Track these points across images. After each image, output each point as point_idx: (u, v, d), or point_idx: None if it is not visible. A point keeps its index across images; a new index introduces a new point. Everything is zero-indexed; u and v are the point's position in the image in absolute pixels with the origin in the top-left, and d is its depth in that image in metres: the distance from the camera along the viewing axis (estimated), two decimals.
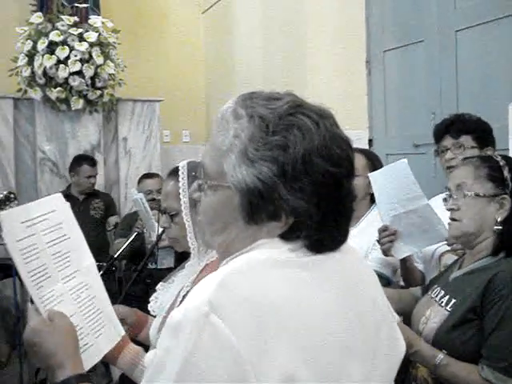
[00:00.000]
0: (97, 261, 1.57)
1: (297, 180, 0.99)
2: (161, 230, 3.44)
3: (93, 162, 5.50)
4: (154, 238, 4.03)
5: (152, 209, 4.15)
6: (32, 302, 1.34)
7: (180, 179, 1.76)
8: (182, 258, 4.48)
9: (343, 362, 0.99)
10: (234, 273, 0.98)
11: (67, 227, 1.46)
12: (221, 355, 0.90)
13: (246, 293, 0.94)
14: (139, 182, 4.88)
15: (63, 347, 1.28)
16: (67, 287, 1.42)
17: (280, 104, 1.04)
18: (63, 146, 5.96)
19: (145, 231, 4.28)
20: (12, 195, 4.87)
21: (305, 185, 0.99)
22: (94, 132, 6.07)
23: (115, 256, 3.89)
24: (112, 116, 6.28)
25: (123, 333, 1.58)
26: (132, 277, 3.35)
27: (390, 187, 2.47)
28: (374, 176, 2.57)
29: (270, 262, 1.00)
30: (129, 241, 3.96)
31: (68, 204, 1.50)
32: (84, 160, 5.49)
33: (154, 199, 4.40)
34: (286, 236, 1.03)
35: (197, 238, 1.76)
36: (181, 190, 1.75)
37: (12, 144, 5.88)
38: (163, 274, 4.03)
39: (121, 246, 4.02)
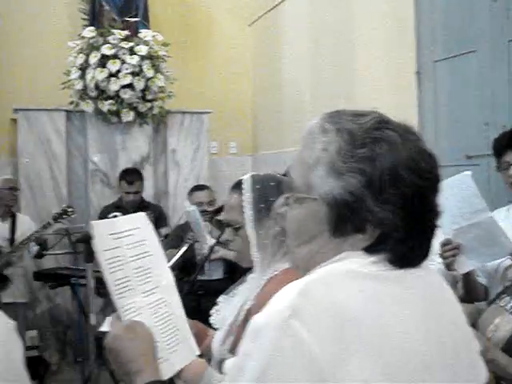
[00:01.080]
0: None
1: (384, 192, 1.00)
2: (213, 242, 3.48)
3: (131, 179, 5.47)
4: (205, 250, 4.05)
5: (203, 221, 4.17)
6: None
7: (244, 192, 1.76)
8: (231, 269, 4.53)
9: (421, 381, 0.97)
10: (317, 281, 0.99)
11: (150, 244, 1.51)
12: (300, 360, 0.91)
13: (327, 301, 0.95)
14: (189, 194, 4.89)
15: (143, 354, 1.32)
16: (146, 301, 1.45)
17: (367, 119, 1.05)
18: (114, 158, 6.07)
19: (196, 243, 4.30)
20: (70, 209, 4.99)
21: (392, 197, 1.00)
22: (144, 144, 6.16)
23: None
24: (161, 128, 6.37)
25: (198, 352, 1.59)
26: (184, 288, 3.38)
27: (453, 200, 2.42)
28: None
29: (352, 274, 1.00)
30: (181, 251, 3.99)
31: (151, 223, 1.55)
32: (123, 176, 5.52)
33: (205, 211, 4.42)
34: (369, 249, 1.03)
35: (260, 251, 1.76)
36: (244, 203, 1.75)
37: (64, 155, 6.02)
38: (214, 286, 4.09)
39: (171, 257, 4.05)
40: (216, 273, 4.46)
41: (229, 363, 1.57)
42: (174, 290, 1.58)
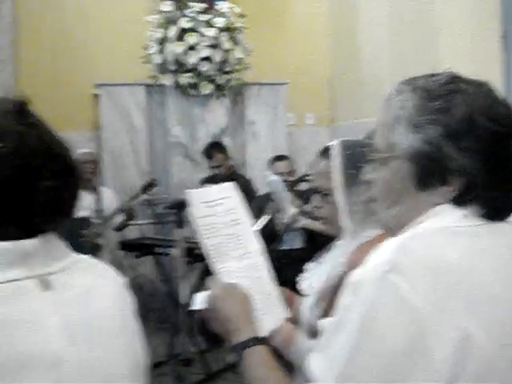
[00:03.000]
0: None
1: (462, 139, 1.03)
2: (295, 211, 3.50)
3: (209, 154, 5.55)
4: (287, 220, 4.07)
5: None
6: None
7: (333, 158, 1.75)
8: (309, 239, 4.53)
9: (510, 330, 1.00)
10: (413, 238, 1.03)
11: (239, 212, 1.60)
12: (401, 311, 0.95)
13: (424, 256, 0.99)
14: (270, 164, 4.90)
15: (242, 313, 1.42)
16: (238, 266, 1.54)
17: (440, 77, 1.10)
18: (193, 130, 6.14)
19: (276, 213, 4.31)
20: (154, 181, 5.13)
21: (470, 144, 1.03)
22: (222, 116, 6.20)
23: None
24: (239, 100, 6.39)
25: (288, 315, 1.65)
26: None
27: None
28: None
29: (446, 231, 1.04)
30: (262, 222, 4.01)
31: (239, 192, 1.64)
32: (203, 151, 5.62)
33: (285, 181, 4.42)
34: (457, 201, 1.06)
35: (349, 218, 1.75)
36: (334, 169, 1.74)
37: (145, 129, 6.16)
38: (294, 255, 4.10)
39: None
40: (295, 242, 4.47)
41: (326, 320, 1.58)
42: (263, 255, 1.64)
